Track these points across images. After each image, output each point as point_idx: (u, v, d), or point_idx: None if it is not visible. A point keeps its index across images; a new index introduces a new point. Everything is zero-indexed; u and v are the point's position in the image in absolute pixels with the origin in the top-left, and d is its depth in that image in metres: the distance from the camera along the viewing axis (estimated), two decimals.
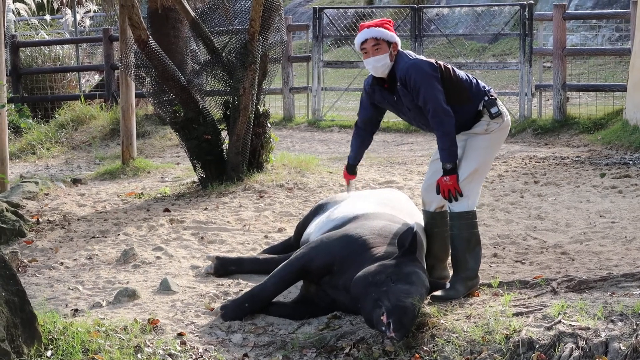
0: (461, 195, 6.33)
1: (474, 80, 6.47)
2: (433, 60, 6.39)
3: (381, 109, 6.70)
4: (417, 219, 6.72)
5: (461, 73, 6.46)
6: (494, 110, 6.36)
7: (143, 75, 10.94)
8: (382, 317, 5.42)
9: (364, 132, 6.81)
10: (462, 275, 6.36)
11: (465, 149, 6.41)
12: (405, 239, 5.91)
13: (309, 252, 6.31)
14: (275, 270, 6.38)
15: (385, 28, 6.43)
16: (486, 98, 6.38)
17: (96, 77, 20.66)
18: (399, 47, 6.45)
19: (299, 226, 7.57)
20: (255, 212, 9.53)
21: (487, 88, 6.47)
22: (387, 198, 7.14)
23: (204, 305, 6.48)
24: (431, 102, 6.23)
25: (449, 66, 6.46)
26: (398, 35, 6.52)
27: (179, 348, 5.57)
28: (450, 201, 6.36)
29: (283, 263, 6.42)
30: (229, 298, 6.61)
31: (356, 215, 6.64)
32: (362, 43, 6.44)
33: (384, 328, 5.41)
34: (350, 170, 6.98)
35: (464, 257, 6.40)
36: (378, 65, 6.38)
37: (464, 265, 6.40)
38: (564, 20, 15.98)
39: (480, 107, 6.37)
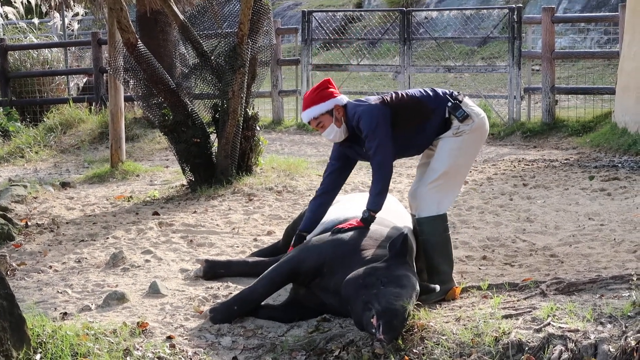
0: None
1: (431, 92, 6.47)
2: (379, 99, 6.40)
3: (351, 161, 6.74)
4: (406, 221, 6.71)
5: (413, 91, 6.48)
6: (459, 113, 6.35)
7: (132, 79, 10.92)
8: (372, 320, 5.42)
9: (326, 191, 6.71)
10: (435, 280, 6.36)
11: (435, 152, 6.44)
12: (397, 242, 5.91)
13: (299, 254, 6.30)
14: (265, 272, 6.36)
15: (319, 98, 6.43)
16: (449, 103, 6.38)
17: (83, 80, 20.60)
18: (344, 103, 6.45)
19: (288, 230, 7.56)
20: (244, 215, 9.53)
21: (448, 93, 6.47)
22: None
23: (193, 308, 6.47)
24: (379, 152, 6.27)
25: (398, 93, 6.49)
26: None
27: (168, 351, 5.56)
28: None
29: (273, 266, 6.40)
30: (218, 301, 6.60)
31: (346, 219, 6.64)
32: (309, 124, 6.54)
33: (374, 330, 5.41)
34: (300, 243, 6.67)
35: (436, 262, 6.42)
36: (330, 137, 6.48)
37: (436, 269, 6.42)
38: (553, 23, 16.01)
39: (447, 114, 6.38)
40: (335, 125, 6.39)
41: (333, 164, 6.69)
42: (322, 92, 6.46)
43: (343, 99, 6.49)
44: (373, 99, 6.44)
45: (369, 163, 6.52)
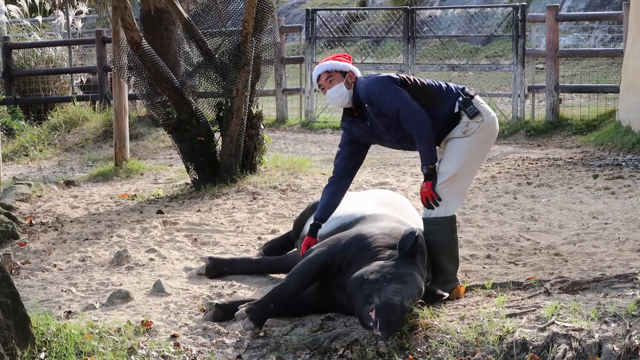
0: (440, 200, 6.33)
1: (443, 84, 6.45)
2: (392, 74, 6.42)
3: (361, 146, 6.68)
4: (418, 221, 6.69)
5: (427, 80, 6.46)
6: (470, 109, 6.29)
7: (136, 77, 10.92)
8: (370, 314, 5.43)
9: (339, 178, 6.68)
10: (440, 280, 6.36)
11: (444, 153, 6.40)
12: (407, 241, 5.90)
13: (329, 249, 6.21)
14: (296, 267, 6.24)
15: (339, 60, 6.51)
16: (460, 98, 6.33)
17: (80, 79, 20.57)
18: (358, 75, 6.50)
19: (296, 223, 7.50)
20: (248, 214, 9.53)
21: (460, 88, 6.43)
22: (388, 199, 7.10)
23: (198, 307, 6.47)
24: (402, 107, 6.21)
25: (411, 76, 6.49)
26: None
27: (172, 350, 5.56)
28: (429, 208, 6.35)
29: (303, 259, 6.28)
30: (222, 299, 6.60)
31: (363, 216, 6.61)
32: (318, 80, 6.52)
33: (371, 324, 5.41)
34: (315, 232, 6.68)
35: (441, 262, 6.41)
36: (336, 95, 6.43)
37: (441, 269, 6.41)
38: (557, 21, 16.01)
39: (457, 109, 6.35)
40: (344, 85, 6.40)
41: (342, 150, 6.66)
42: (342, 57, 6.56)
43: (358, 72, 6.55)
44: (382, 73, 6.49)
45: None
